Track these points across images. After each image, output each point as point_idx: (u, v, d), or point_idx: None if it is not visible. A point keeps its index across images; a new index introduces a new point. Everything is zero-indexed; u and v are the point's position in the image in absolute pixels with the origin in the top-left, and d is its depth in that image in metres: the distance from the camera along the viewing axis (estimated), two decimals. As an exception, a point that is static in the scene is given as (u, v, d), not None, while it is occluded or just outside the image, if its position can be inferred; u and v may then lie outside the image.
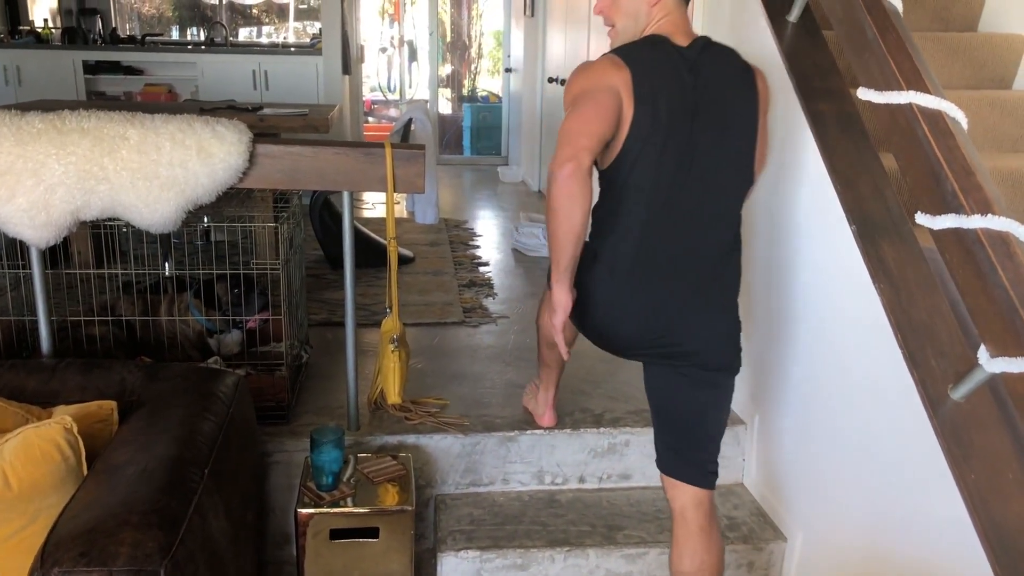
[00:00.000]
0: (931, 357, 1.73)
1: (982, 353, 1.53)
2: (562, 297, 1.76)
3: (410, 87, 10.99)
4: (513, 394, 2.76)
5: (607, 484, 2.57)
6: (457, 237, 5.06)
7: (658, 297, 1.81)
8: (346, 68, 5.91)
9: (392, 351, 2.33)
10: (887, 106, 1.82)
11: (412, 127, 4.26)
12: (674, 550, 1.95)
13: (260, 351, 2.72)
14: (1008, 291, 1.48)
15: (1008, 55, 2.80)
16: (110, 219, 2.24)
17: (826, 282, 2.10)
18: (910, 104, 1.75)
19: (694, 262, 1.82)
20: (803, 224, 2.21)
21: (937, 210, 1.65)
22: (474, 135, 8.77)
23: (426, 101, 8.18)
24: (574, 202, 1.65)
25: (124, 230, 2.65)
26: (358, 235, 4.38)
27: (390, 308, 2.53)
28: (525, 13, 6.84)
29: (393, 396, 2.35)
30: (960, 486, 1.58)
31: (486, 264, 4.46)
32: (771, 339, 2.40)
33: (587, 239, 1.83)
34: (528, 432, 2.51)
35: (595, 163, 1.75)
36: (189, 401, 1.95)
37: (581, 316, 1.87)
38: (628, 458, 2.56)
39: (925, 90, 1.75)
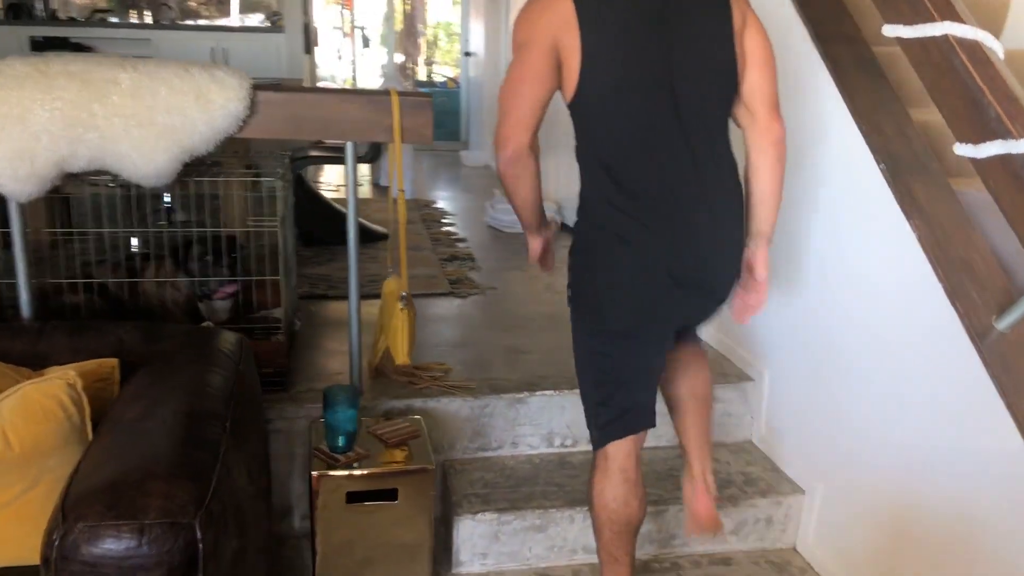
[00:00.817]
0: (972, 290, 1.71)
1: (1037, 278, 1.51)
2: (535, 243, 1.93)
3: (364, 75, 10.81)
4: (515, 359, 2.69)
5: (618, 445, 2.52)
6: (429, 215, 4.96)
7: (680, 256, 1.66)
8: (308, 47, 5.75)
9: (400, 309, 2.23)
10: (919, 40, 1.79)
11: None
12: (683, 379, 1.98)
13: (252, 317, 2.59)
14: (1065, 212, 1.46)
15: (997, 12, 2.82)
16: (95, 173, 2.08)
17: (852, 224, 2.07)
18: (945, 35, 1.72)
19: (696, 198, 1.66)
20: (824, 168, 2.18)
21: (980, 138, 1.63)
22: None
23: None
24: (519, 182, 1.71)
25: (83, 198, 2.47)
26: (331, 210, 4.26)
27: (392, 268, 2.45)
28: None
29: (401, 356, 2.25)
30: (1014, 414, 1.56)
31: (463, 240, 4.37)
32: (780, 292, 2.37)
33: (582, 218, 1.74)
34: (538, 393, 2.44)
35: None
36: (196, 357, 1.83)
37: (610, 303, 1.70)
38: (638, 418, 2.51)
39: (959, 20, 1.73)
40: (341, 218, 4.27)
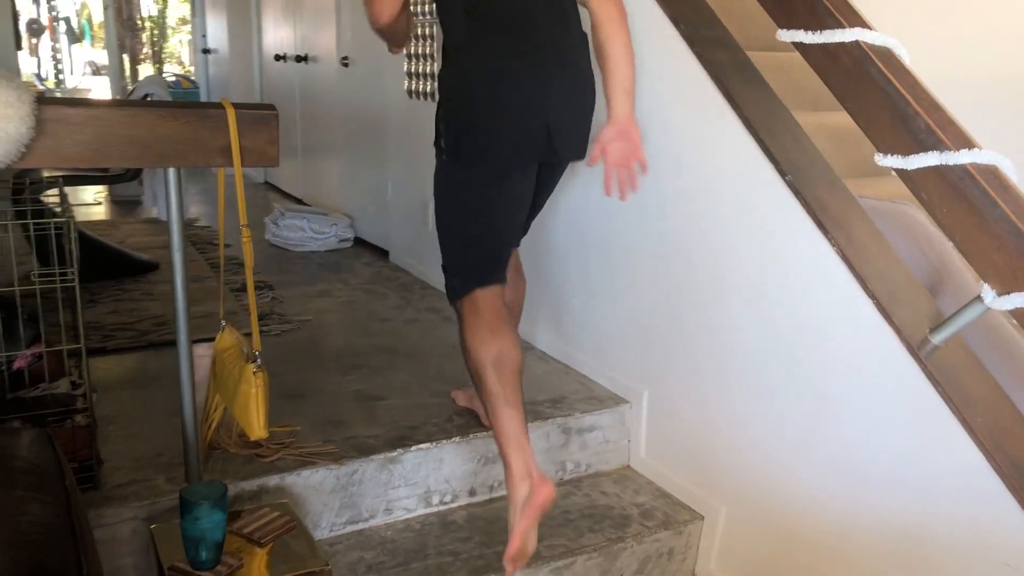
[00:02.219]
0: (902, 304, 1.68)
1: (987, 292, 1.48)
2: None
3: (71, 73, 9.50)
4: (372, 409, 2.34)
5: (499, 492, 2.26)
6: (197, 236, 4.35)
7: (535, 81, 1.81)
8: (19, 42, 4.83)
9: (254, 372, 1.80)
10: (822, 46, 1.72)
11: (147, 106, 3.53)
12: None
13: (31, 396, 2.01)
14: (1015, 223, 1.44)
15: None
16: None
17: (752, 239, 1.97)
18: (856, 42, 1.66)
19: (547, 40, 1.84)
20: (717, 183, 2.06)
21: (908, 149, 1.58)
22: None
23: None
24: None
25: None
26: (88, 242, 3.56)
27: (225, 319, 2.01)
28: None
29: (258, 429, 1.82)
30: (967, 429, 1.53)
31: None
32: (664, 309, 2.25)
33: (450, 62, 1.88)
34: (413, 448, 2.12)
35: None
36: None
37: (466, 130, 1.86)
38: (519, 459, 2.27)
39: (866, 26, 1.68)
40: (100, 250, 3.62)
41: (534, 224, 2.21)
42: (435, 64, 3.37)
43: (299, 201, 5.24)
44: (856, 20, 1.68)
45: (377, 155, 3.99)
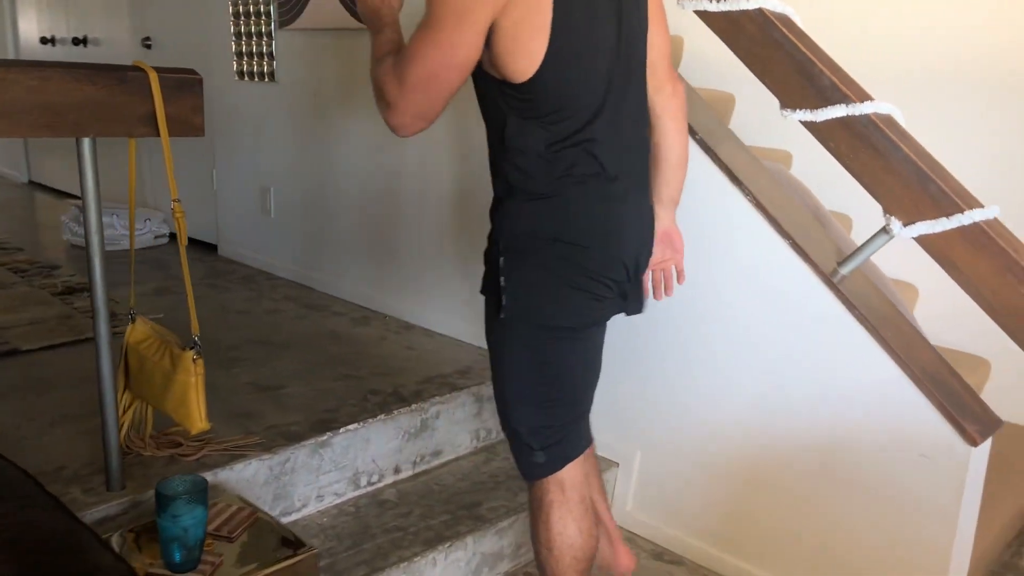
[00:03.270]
0: (811, 242, 1.89)
1: (894, 224, 1.72)
2: None
3: None
4: (279, 400, 2.21)
5: (422, 467, 2.24)
6: (-22, 243, 3.82)
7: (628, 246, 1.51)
8: None
9: (193, 359, 1.65)
10: (726, 14, 1.89)
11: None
12: (575, 525, 1.58)
13: None
14: (916, 163, 1.68)
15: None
16: None
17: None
18: (759, 9, 1.85)
19: (638, 185, 1.54)
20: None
21: (816, 104, 1.78)
22: None
23: None
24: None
25: None
26: None
27: (133, 310, 1.83)
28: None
29: (199, 421, 1.67)
30: (884, 345, 1.77)
31: (55, 267, 3.46)
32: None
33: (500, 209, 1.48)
34: (342, 431, 2.04)
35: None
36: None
37: (574, 299, 1.47)
38: (438, 432, 2.27)
39: (765, -4, 1.87)
40: None
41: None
42: (269, 41, 3.21)
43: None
44: (756, -11, 1.87)
45: (196, 144, 3.71)
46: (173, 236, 4.00)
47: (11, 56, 5.24)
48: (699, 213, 2.03)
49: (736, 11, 1.87)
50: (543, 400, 1.54)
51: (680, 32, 2.87)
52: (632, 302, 1.58)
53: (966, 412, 1.71)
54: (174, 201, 1.65)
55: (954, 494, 1.72)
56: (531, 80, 1.32)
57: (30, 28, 5.02)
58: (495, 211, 1.49)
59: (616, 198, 1.45)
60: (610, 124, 1.41)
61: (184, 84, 1.61)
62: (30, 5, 5.00)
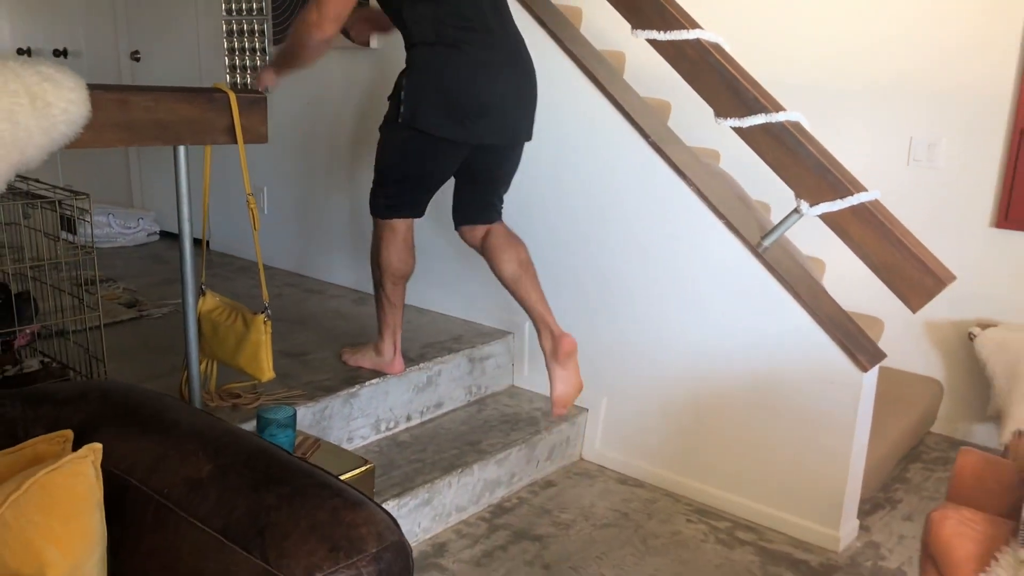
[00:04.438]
0: (740, 221, 2.41)
1: (803, 205, 2.25)
2: (271, 76, 2.38)
3: None
4: (307, 363, 2.64)
5: (428, 416, 2.70)
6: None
7: (504, 80, 2.26)
8: None
9: (264, 321, 2.07)
10: (672, 43, 2.40)
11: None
12: (496, 263, 2.45)
13: (7, 375, 2.07)
14: (818, 158, 2.22)
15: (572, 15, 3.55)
16: None
17: (630, 188, 2.59)
18: (697, 39, 2.36)
19: (512, 50, 2.29)
20: (595, 145, 2.67)
21: (742, 113, 2.30)
22: None
23: None
24: (313, 57, 2.25)
25: None
26: None
27: (205, 285, 2.23)
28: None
29: (268, 371, 2.09)
30: (798, 300, 2.30)
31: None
32: (554, 252, 2.81)
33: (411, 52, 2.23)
34: (367, 384, 2.49)
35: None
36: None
37: (460, 114, 2.21)
38: (440, 388, 2.72)
39: (702, 28, 2.38)
40: None
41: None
42: (262, 58, 3.61)
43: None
44: (695, 24, 2.38)
45: (190, 149, 4.07)
46: (164, 233, 4.34)
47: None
48: (652, 199, 2.54)
49: (679, 40, 2.38)
50: (403, 176, 2.35)
51: (622, 48, 3.37)
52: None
53: (858, 346, 2.26)
54: (249, 195, 2.06)
55: (851, 411, 2.27)
56: None
57: (3, 38, 5.23)
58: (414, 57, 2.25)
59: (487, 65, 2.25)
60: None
61: (254, 102, 2.03)
62: (2, 14, 5.21)
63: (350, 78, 3.31)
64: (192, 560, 1.23)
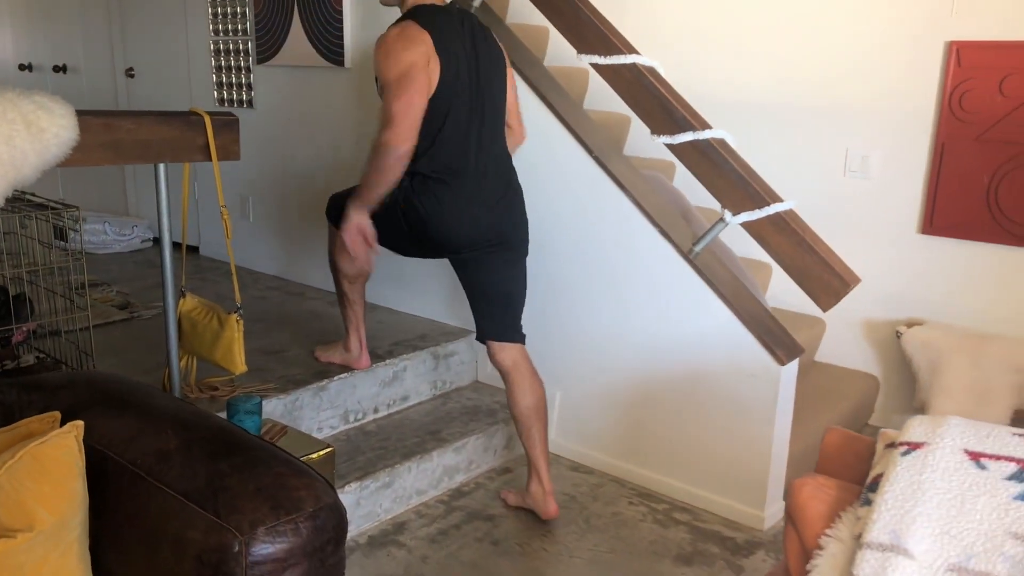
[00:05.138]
0: (674, 229, 2.65)
1: (727, 215, 2.48)
2: (364, 220, 2.31)
3: None
4: (280, 358, 2.87)
5: (395, 408, 2.93)
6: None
7: (485, 204, 2.37)
8: None
9: (237, 320, 2.31)
10: (611, 66, 2.63)
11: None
12: (515, 394, 2.52)
13: (5, 369, 2.30)
14: (740, 172, 2.45)
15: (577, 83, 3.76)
16: None
17: (576, 197, 2.83)
18: (633, 63, 2.59)
19: (496, 177, 2.41)
20: (549, 162, 2.90)
21: (673, 131, 2.54)
22: None
23: None
24: (396, 172, 2.23)
25: None
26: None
27: (186, 287, 2.46)
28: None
29: (241, 365, 2.33)
30: (723, 299, 2.54)
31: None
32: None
33: (414, 173, 2.30)
34: (336, 378, 2.72)
35: None
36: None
37: (423, 231, 2.35)
38: (405, 382, 2.96)
39: (638, 53, 2.61)
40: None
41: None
42: (248, 75, 3.85)
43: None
44: (632, 50, 2.61)
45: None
46: (156, 240, 4.58)
47: (-14, 80, 5.68)
48: (595, 212, 2.78)
49: (618, 64, 2.62)
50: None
51: (586, 68, 3.60)
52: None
53: (778, 342, 2.49)
54: (222, 207, 2.29)
55: (771, 401, 2.50)
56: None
57: (5, 53, 5.49)
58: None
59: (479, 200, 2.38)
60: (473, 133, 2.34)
61: (227, 123, 2.26)
62: (5, 31, 5.47)
63: (329, 95, 3.55)
64: (158, 518, 1.46)
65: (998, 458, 1.48)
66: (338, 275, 2.68)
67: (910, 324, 3.12)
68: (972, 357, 2.89)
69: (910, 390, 3.24)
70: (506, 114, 2.47)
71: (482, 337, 2.53)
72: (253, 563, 1.37)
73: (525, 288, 2.58)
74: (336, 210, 2.54)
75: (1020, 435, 1.51)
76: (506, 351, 2.52)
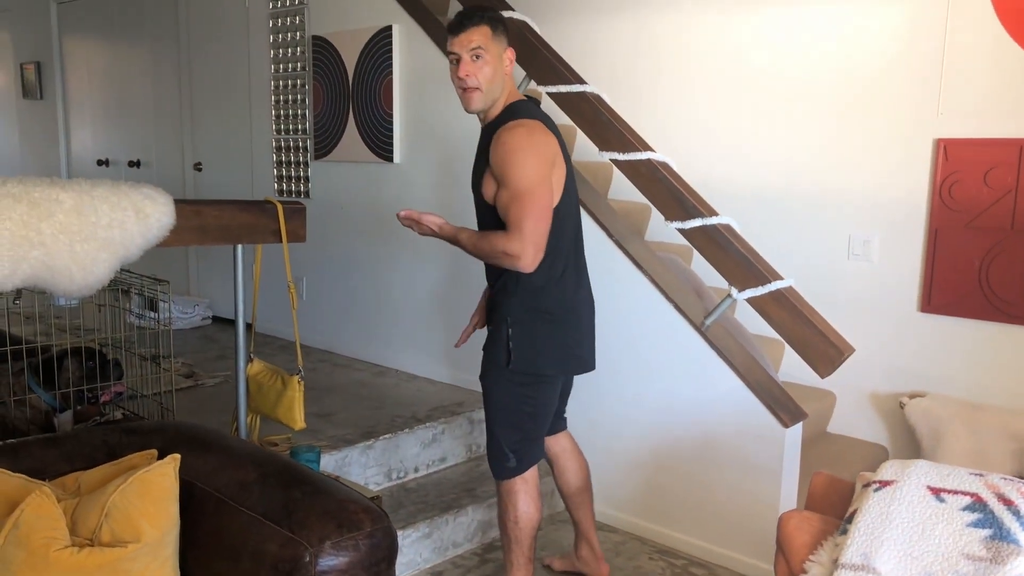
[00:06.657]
0: (687, 305, 2.94)
1: (734, 291, 2.77)
2: (433, 228, 2.35)
3: None
4: (329, 420, 3.17)
5: (434, 468, 3.20)
6: None
7: (590, 336, 2.50)
8: None
9: (298, 381, 2.62)
10: (628, 161, 2.98)
11: None
12: (566, 476, 2.68)
13: (97, 424, 2.63)
14: (744, 253, 2.75)
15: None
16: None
17: (597, 277, 3.13)
18: (648, 159, 2.94)
19: (592, 304, 2.52)
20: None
21: (684, 218, 2.86)
22: None
23: None
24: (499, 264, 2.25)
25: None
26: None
27: (253, 354, 2.79)
28: (25, 96, 6.43)
29: (300, 422, 2.62)
30: (732, 368, 2.80)
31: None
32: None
33: (533, 297, 2.30)
34: (381, 438, 3.01)
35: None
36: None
37: (559, 356, 2.38)
38: (443, 444, 3.23)
39: (653, 150, 2.96)
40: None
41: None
42: (306, 168, 4.28)
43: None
44: (647, 147, 2.96)
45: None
46: (215, 318, 4.96)
47: (64, 175, 6.23)
48: (616, 289, 3.09)
49: (635, 160, 2.96)
50: (520, 425, 2.37)
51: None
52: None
53: (782, 407, 2.73)
54: (290, 283, 2.64)
55: (777, 460, 2.73)
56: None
57: (85, 150, 6.04)
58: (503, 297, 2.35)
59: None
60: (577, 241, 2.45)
61: (296, 210, 2.63)
62: (84, 129, 6.03)
63: (379, 187, 3.95)
64: (240, 535, 1.75)
65: (955, 492, 1.72)
66: (521, 532, 2.42)
67: (912, 396, 3.34)
68: (970, 425, 3.09)
69: (915, 457, 3.42)
70: None
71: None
72: (320, 572, 1.65)
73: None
74: (508, 463, 2.39)
75: (976, 474, 1.76)
76: (555, 439, 2.65)
